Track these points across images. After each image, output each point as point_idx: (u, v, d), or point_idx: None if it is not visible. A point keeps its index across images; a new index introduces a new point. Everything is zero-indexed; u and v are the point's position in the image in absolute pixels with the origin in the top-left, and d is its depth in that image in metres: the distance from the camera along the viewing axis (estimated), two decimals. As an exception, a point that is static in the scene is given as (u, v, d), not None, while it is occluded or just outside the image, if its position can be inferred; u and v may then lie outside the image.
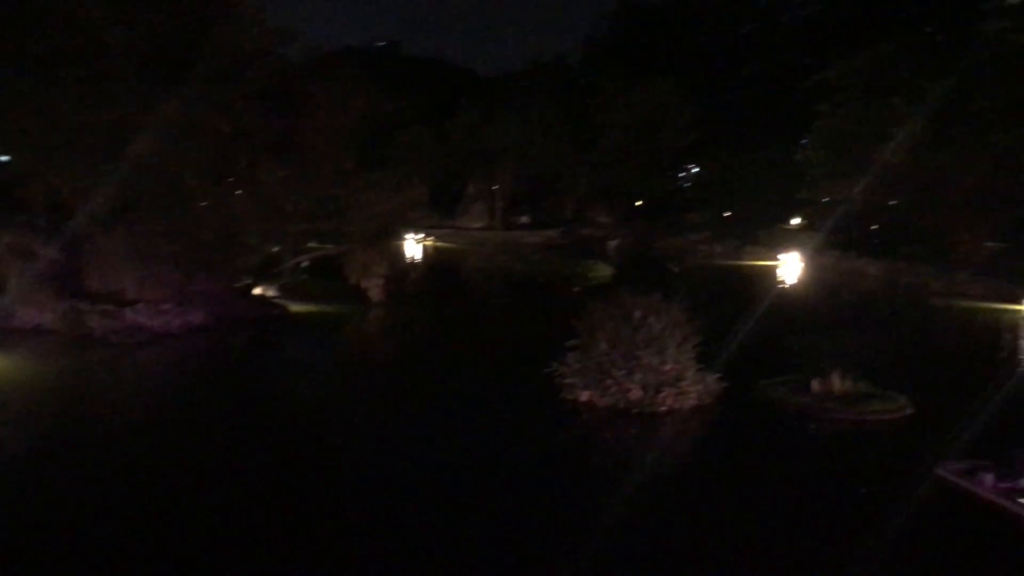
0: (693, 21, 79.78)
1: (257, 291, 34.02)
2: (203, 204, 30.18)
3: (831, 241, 49.67)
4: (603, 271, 44.78)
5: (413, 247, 54.99)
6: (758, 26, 75.50)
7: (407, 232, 48.03)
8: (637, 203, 74.90)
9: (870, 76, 46.83)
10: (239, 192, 31.81)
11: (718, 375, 19.83)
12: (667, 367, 18.94)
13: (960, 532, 13.08)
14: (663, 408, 18.62)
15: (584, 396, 19.24)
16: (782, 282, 44.79)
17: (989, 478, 13.93)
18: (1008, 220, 43.22)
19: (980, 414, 17.54)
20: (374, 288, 34.33)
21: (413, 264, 52.58)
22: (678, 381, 18.96)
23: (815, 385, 19.32)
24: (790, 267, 48.39)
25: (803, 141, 53.17)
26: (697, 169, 77.95)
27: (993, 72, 41.99)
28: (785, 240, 53.81)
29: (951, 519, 13.43)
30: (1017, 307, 34.00)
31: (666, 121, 70.43)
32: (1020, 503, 13.27)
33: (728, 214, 66.51)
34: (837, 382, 19.27)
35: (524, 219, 71.07)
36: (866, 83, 46.84)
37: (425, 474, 15.17)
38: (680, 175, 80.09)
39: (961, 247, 44.11)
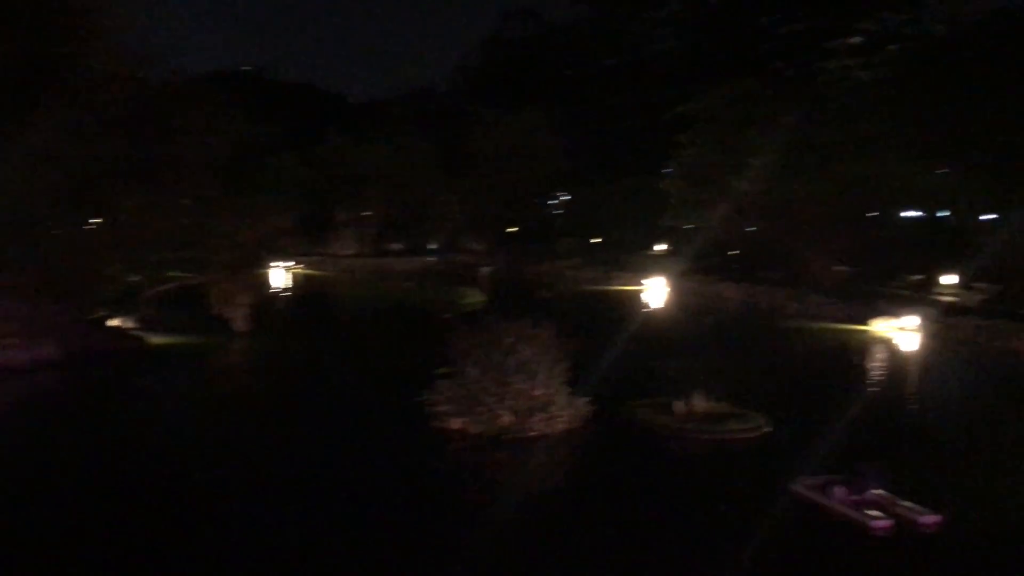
0: (561, 53, 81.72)
1: (114, 323, 32.45)
2: (56, 233, 28.64)
3: (694, 266, 51.53)
4: (475, 297, 44.95)
5: (280, 275, 53.72)
6: (623, 59, 77.99)
7: (274, 260, 46.92)
8: (510, 230, 75.74)
9: (727, 109, 49.03)
10: (97, 220, 30.38)
11: (587, 398, 20.13)
12: (538, 392, 19.09)
13: (814, 544, 13.64)
14: (534, 433, 18.74)
15: (455, 424, 19.15)
16: (648, 306, 46.06)
17: (840, 492, 14.60)
18: (854, 245, 45.96)
19: (833, 431, 18.43)
20: (238, 318, 33.33)
21: (280, 292, 51.34)
22: (548, 406, 19.14)
23: (678, 406, 19.87)
24: (655, 292, 49.86)
25: (667, 170, 55.09)
26: (567, 197, 79.54)
27: (837, 106, 44.71)
28: (651, 265, 55.45)
29: (806, 532, 13.99)
30: (865, 327, 36.00)
31: (536, 150, 71.67)
32: (868, 514, 13.96)
33: (597, 240, 68.06)
34: (699, 403, 19.88)
35: (396, 246, 70.66)
36: (723, 115, 49.00)
37: (291, 509, 14.71)
38: (551, 202, 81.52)
39: (812, 271, 46.56)
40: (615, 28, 78.75)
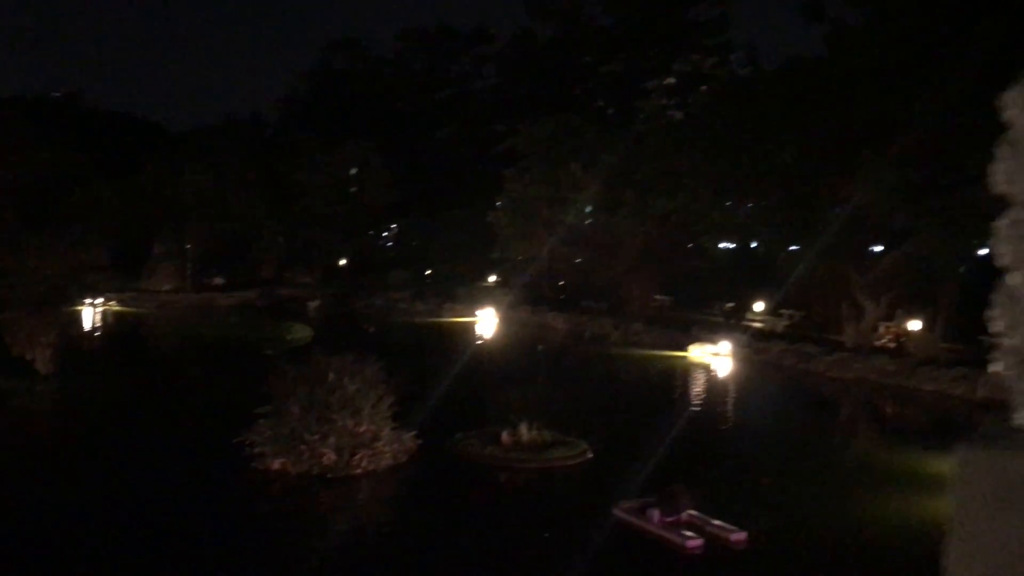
0: (389, 85, 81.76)
1: None
2: None
3: (523, 297, 52.41)
4: (302, 332, 43.80)
5: (90, 313, 50.47)
6: (451, 93, 78.94)
7: (83, 296, 43.96)
8: (340, 262, 74.54)
9: (551, 144, 50.45)
10: None
11: (414, 433, 19.96)
12: (362, 428, 18.75)
13: (632, 564, 14.04)
14: (359, 470, 18.37)
15: (276, 464, 18.50)
16: (479, 337, 46.40)
17: (655, 513, 15.14)
18: (673, 275, 48.19)
19: (652, 454, 19.10)
20: (42, 359, 30.94)
21: (90, 331, 48.21)
22: (374, 442, 18.83)
23: (504, 436, 20.05)
24: (486, 323, 50.33)
25: (498, 203, 55.95)
26: (398, 228, 79.16)
27: (654, 143, 46.89)
28: (482, 297, 55.94)
29: (624, 553, 14.39)
30: (683, 353, 37.68)
31: (366, 181, 71.03)
32: (682, 534, 14.52)
33: (428, 272, 68.05)
34: (525, 432, 20.14)
35: (218, 280, 67.85)
36: (548, 151, 50.36)
37: (104, 559, 13.71)
38: (383, 234, 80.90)
39: (634, 300, 48.41)
40: (442, 62, 79.71)
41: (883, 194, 30.58)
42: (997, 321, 1.31)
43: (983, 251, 52.34)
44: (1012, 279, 1.21)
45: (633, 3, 63.75)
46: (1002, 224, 1.12)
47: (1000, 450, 1.15)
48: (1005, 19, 28.74)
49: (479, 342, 44.82)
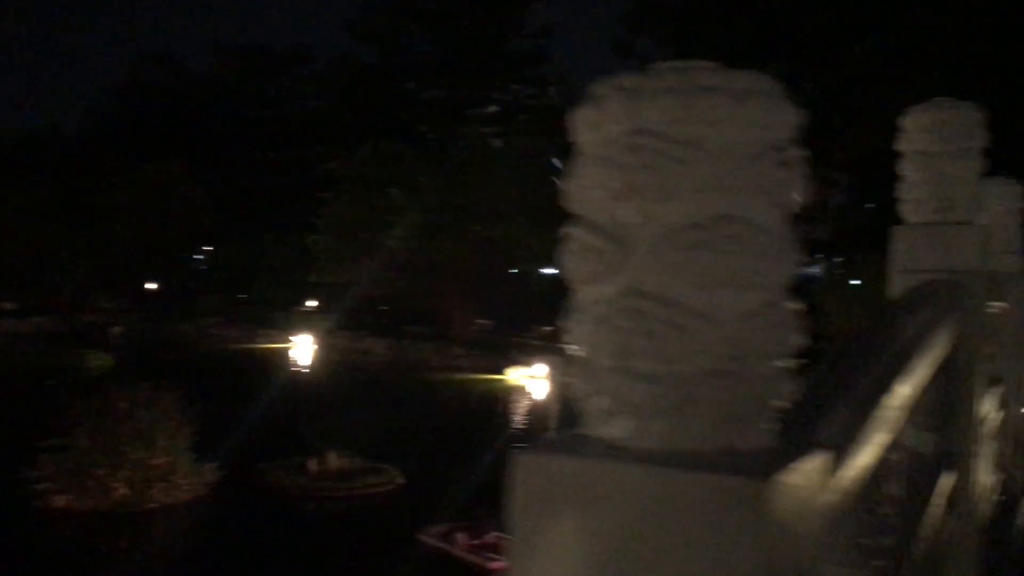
0: (204, 103, 78.77)
1: None
2: None
3: (343, 323, 51.56)
4: (100, 360, 41.21)
5: None
6: (269, 113, 76.98)
7: None
8: (148, 286, 70.78)
9: (372, 168, 50.14)
10: None
11: (216, 464, 19.12)
12: (157, 461, 17.76)
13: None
14: (154, 505, 17.39)
15: (60, 501, 17.20)
16: (295, 364, 45.22)
17: (462, 537, 15.18)
18: (494, 300, 48.89)
19: (462, 478, 19.14)
20: None
21: None
22: (170, 475, 17.88)
23: (312, 465, 19.57)
24: (303, 349, 49.10)
25: (317, 227, 54.84)
26: (212, 252, 76.16)
27: (474, 169, 47.59)
28: (300, 322, 54.57)
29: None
30: (501, 377, 38.20)
31: (178, 202, 67.87)
32: (488, 556, 14.62)
33: (244, 297, 65.73)
34: (333, 460, 19.73)
35: (9, 305, 62.80)
36: (369, 174, 50.02)
37: None
38: (195, 258, 77.57)
39: (456, 325, 48.72)
40: (259, 82, 77.72)
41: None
42: (569, 335, 1.36)
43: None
44: (581, 294, 1.26)
45: (454, 32, 64.61)
46: (569, 241, 1.17)
47: (554, 453, 1.20)
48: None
49: (294, 369, 43.69)
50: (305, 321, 55.02)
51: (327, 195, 51.34)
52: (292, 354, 47.88)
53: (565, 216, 1.34)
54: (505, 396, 34.57)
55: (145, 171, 66.45)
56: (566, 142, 1.28)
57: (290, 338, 51.31)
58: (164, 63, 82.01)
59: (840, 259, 38.59)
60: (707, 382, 1.18)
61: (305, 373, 43.18)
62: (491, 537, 15.23)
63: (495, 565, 14.33)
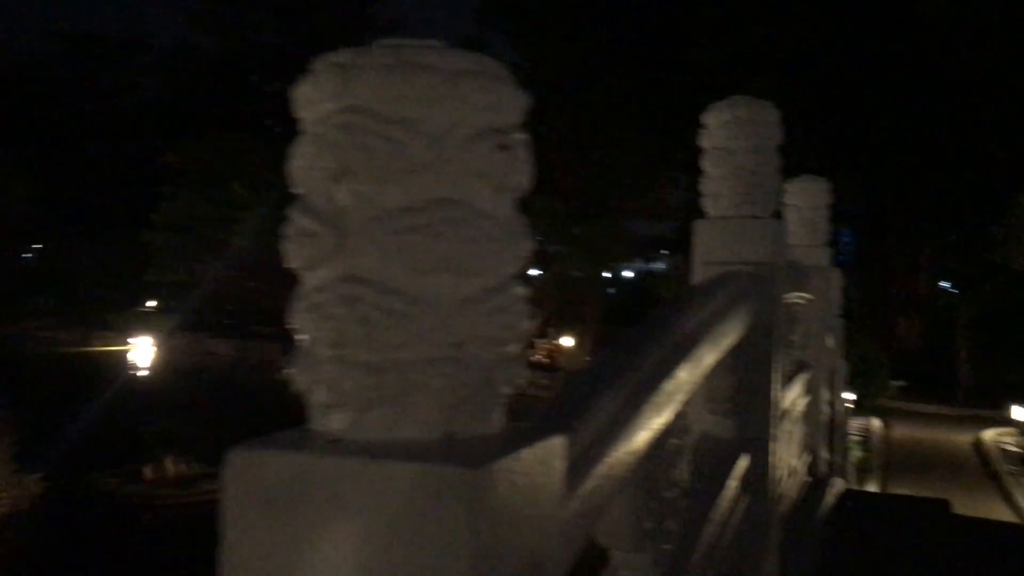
0: (32, 91, 73.73)
1: None
2: None
3: (185, 323, 49.49)
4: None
5: None
6: (104, 104, 72.84)
7: None
8: (-35, 288, 65.83)
9: (215, 162, 48.31)
10: None
11: (41, 475, 17.97)
12: (-29, 474, 16.53)
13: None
14: (-33, 522, 16.15)
15: None
16: (133, 367, 43.09)
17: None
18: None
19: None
20: None
21: None
22: (-13, 488, 16.67)
23: (147, 472, 18.72)
24: (142, 351, 46.80)
25: (154, 223, 52.35)
26: (42, 249, 71.63)
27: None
28: (139, 324, 51.99)
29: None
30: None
31: (1, 197, 63.32)
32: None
33: (76, 298, 62.05)
34: (171, 466, 18.92)
35: None
36: (210, 168, 48.18)
37: None
38: (22, 256, 72.71)
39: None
40: (93, 71, 73.41)
41: (538, 221, 33.03)
42: (294, 324, 1.30)
43: (626, 272, 58.17)
44: (305, 280, 1.21)
45: (301, 25, 63.14)
46: (289, 224, 1.12)
47: (270, 449, 1.14)
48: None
49: (131, 372, 41.64)
50: (144, 322, 52.50)
51: (165, 189, 49.13)
52: (130, 357, 45.58)
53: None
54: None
55: (-39, 163, 61.75)
56: None
57: (128, 340, 48.82)
58: (-19, 48, 76.20)
59: (683, 255, 40.29)
60: (426, 370, 1.15)
61: (144, 376, 41.22)
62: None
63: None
